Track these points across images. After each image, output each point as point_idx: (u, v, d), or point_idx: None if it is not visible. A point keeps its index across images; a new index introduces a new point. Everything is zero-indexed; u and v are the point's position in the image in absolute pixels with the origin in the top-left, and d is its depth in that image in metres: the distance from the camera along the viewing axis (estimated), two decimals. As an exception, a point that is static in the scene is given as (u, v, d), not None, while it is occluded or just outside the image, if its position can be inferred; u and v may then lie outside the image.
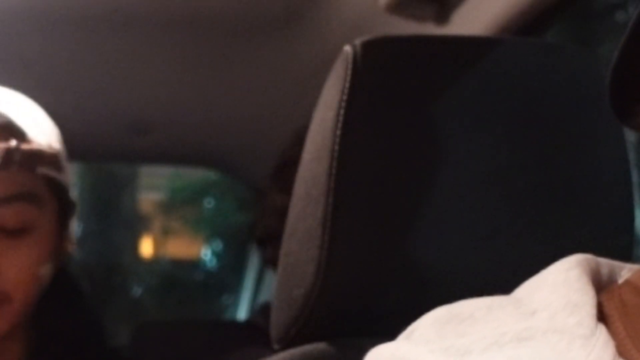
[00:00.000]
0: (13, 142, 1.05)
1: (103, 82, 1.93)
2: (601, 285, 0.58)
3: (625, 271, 0.59)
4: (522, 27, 1.28)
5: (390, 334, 0.62)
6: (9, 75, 1.81)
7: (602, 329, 0.53)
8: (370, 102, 0.75)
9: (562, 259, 0.60)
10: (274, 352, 0.77)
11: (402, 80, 0.76)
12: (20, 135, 1.06)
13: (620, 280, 0.59)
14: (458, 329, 0.57)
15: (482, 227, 0.75)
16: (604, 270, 0.59)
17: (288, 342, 0.77)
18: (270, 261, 1.53)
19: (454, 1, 1.39)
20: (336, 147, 0.73)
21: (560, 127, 0.78)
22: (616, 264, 0.60)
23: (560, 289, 0.56)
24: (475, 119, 0.76)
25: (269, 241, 1.51)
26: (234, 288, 2.91)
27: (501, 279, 0.67)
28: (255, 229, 1.59)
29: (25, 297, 1.07)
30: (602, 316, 0.55)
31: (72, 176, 1.15)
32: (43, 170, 1.07)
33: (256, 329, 1.57)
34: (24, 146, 1.06)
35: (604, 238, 0.78)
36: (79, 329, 1.17)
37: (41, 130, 1.10)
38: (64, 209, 1.12)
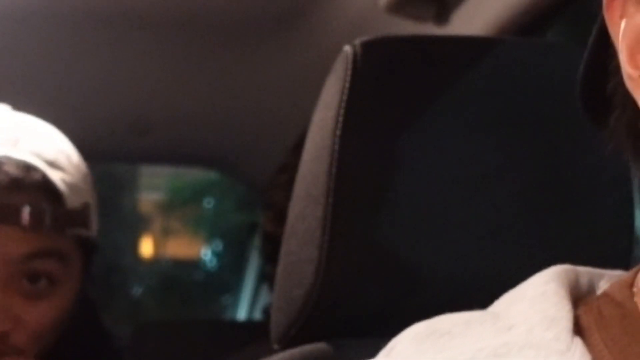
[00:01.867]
0: (45, 204, 1.03)
1: (103, 82, 1.93)
2: (580, 296, 0.58)
3: (604, 282, 0.59)
4: (522, 27, 1.28)
5: (389, 334, 0.62)
6: (9, 75, 1.81)
7: (578, 343, 0.53)
8: (370, 102, 0.75)
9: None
10: (274, 352, 0.77)
11: (402, 80, 0.76)
12: (54, 196, 1.03)
13: (598, 292, 0.58)
14: (437, 344, 0.56)
15: (483, 227, 0.75)
16: (583, 281, 0.59)
17: (288, 342, 0.77)
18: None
19: (454, 1, 1.39)
20: (336, 147, 0.73)
21: (560, 127, 0.78)
22: (596, 273, 0.60)
23: (538, 303, 0.56)
24: (475, 119, 0.76)
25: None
26: (234, 288, 2.90)
27: (501, 279, 0.67)
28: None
29: (43, 347, 1.06)
30: (579, 329, 0.55)
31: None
32: (72, 231, 1.06)
33: (256, 329, 1.57)
34: (56, 208, 1.03)
35: (604, 238, 0.78)
36: (94, 347, 1.18)
37: (76, 185, 1.07)
38: (88, 258, 1.11)
